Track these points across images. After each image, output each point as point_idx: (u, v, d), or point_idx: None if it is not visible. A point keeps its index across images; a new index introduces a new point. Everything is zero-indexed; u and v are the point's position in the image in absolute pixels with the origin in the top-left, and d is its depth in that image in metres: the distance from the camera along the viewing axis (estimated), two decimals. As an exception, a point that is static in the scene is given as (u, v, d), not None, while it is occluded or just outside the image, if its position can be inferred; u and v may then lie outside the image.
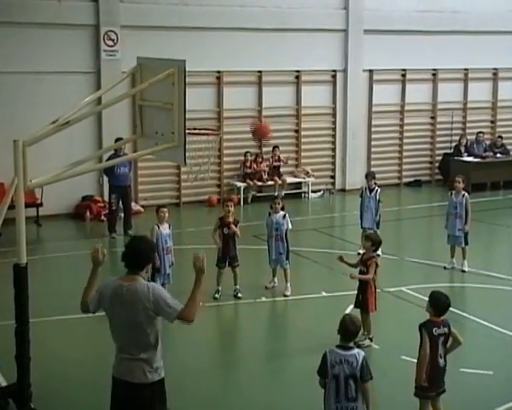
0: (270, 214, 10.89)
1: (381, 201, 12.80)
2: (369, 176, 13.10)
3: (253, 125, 8.62)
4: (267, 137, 8.69)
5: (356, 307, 9.03)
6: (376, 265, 8.87)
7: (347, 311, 9.86)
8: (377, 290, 9.08)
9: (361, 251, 12.06)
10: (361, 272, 8.91)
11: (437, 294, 6.65)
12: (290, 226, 10.86)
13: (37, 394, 7.00)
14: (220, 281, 10.62)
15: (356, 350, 5.83)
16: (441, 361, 6.49)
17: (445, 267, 12.05)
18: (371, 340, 8.83)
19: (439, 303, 6.55)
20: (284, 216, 10.78)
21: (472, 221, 12.15)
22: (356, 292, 9.08)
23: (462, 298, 11.28)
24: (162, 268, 10.07)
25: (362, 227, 12.85)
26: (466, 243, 11.98)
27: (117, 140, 13.61)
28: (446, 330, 6.52)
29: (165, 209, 10.28)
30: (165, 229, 10.13)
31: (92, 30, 16.07)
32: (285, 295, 10.73)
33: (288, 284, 10.80)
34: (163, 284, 10.16)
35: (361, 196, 13.02)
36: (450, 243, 12.14)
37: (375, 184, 12.96)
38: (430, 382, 6.47)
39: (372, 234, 9.66)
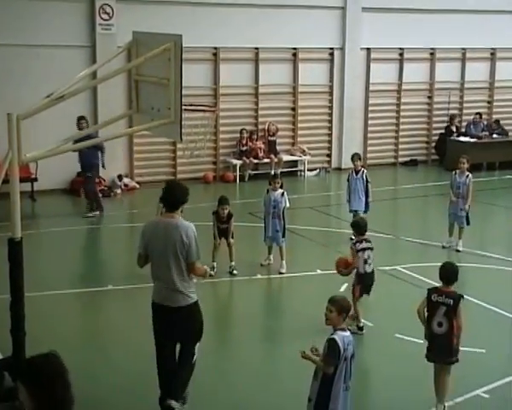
0: (268, 192, 10.89)
1: (369, 181, 12.48)
2: (355, 157, 12.75)
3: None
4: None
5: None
6: (358, 251, 8.68)
7: (342, 289, 9.93)
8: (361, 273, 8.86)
9: (353, 237, 12.11)
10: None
11: (444, 263, 7.03)
12: (288, 204, 10.87)
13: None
14: (215, 256, 10.64)
15: (349, 331, 5.92)
16: (438, 330, 6.63)
17: (443, 246, 12.09)
18: (361, 329, 8.71)
19: (441, 271, 6.82)
20: (282, 194, 10.79)
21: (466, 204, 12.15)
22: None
23: (458, 278, 11.31)
24: None
25: (350, 210, 12.56)
26: (468, 223, 12.02)
27: (79, 119, 13.54)
28: (451, 302, 6.62)
29: None
30: None
31: (87, 3, 15.93)
32: (280, 273, 10.76)
33: (284, 262, 10.83)
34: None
35: (348, 180, 12.66)
36: (451, 221, 12.17)
37: (362, 166, 12.70)
38: (428, 347, 6.75)
39: (356, 220, 9.45)
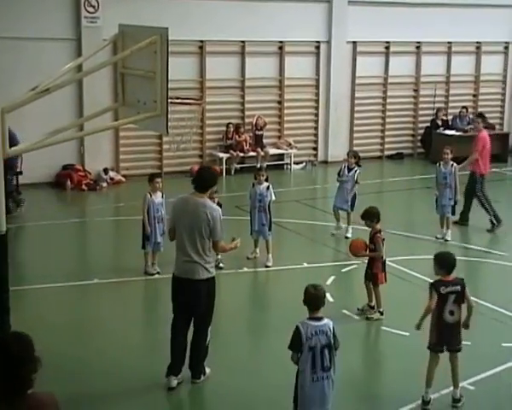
0: (253, 185, 10.87)
1: (358, 182, 12.27)
2: (350, 153, 12.62)
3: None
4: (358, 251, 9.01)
5: (366, 279, 9.06)
6: (382, 240, 8.89)
7: (329, 282, 9.97)
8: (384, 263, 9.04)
9: (334, 232, 12.15)
10: (370, 250, 8.96)
11: (440, 253, 7.11)
12: (273, 198, 10.86)
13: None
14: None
15: (326, 320, 5.87)
16: (450, 318, 6.72)
17: (436, 237, 12.18)
18: (381, 313, 8.86)
19: (442, 260, 6.87)
20: (268, 187, 10.77)
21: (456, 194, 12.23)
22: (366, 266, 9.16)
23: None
24: (153, 236, 10.14)
25: (335, 206, 12.37)
26: (453, 214, 12.12)
27: None
28: (459, 288, 6.74)
29: (160, 179, 10.36)
30: (157, 198, 10.16)
31: (73, -4, 15.83)
32: (267, 266, 10.76)
33: (270, 255, 10.83)
34: (153, 252, 10.22)
35: (338, 174, 12.38)
36: (439, 212, 12.24)
37: (356, 164, 12.31)
38: (437, 337, 6.75)
39: (365, 211, 9.31)
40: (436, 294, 6.70)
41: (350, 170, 12.26)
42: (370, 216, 9.01)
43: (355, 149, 19.10)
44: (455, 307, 6.72)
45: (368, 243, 8.96)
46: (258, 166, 11.09)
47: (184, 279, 7.00)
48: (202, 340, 7.19)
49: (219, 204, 10.58)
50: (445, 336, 6.79)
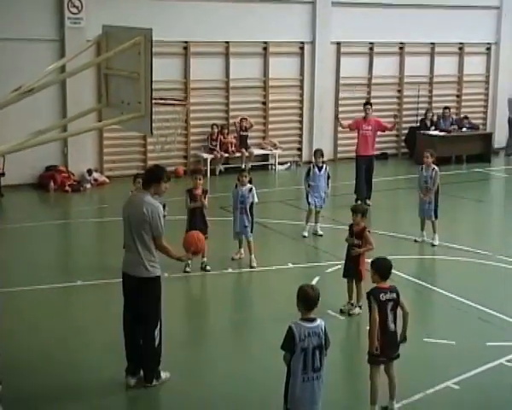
0: (236, 186, 10.85)
1: (330, 177, 12.54)
2: (318, 153, 12.55)
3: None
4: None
5: (345, 276, 9.18)
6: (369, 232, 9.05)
7: (313, 282, 9.96)
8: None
9: (320, 232, 12.19)
10: (357, 246, 8.99)
11: (376, 259, 6.84)
12: (256, 200, 10.84)
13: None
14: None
15: (319, 320, 5.85)
16: (392, 326, 6.57)
17: (415, 240, 12.14)
18: (360, 307, 8.96)
19: (379, 266, 6.69)
20: (250, 190, 10.74)
21: (439, 195, 12.25)
22: (344, 262, 9.25)
23: (428, 270, 11.45)
24: None
25: (313, 207, 12.41)
26: (436, 217, 12.10)
27: None
28: (394, 295, 6.62)
29: None
30: None
31: (56, -4, 15.74)
32: (252, 267, 10.74)
33: (253, 256, 10.82)
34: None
35: (307, 174, 12.45)
36: (420, 215, 12.25)
37: (323, 162, 12.55)
38: (381, 348, 6.57)
39: (358, 206, 9.57)
40: (376, 303, 6.53)
41: (320, 169, 12.41)
42: (364, 211, 9.10)
43: (339, 149, 19.24)
44: (392, 316, 6.56)
45: (353, 238, 9.00)
46: (243, 166, 11.06)
47: (125, 274, 7.09)
48: (148, 341, 7.09)
49: (205, 191, 10.60)
50: (388, 346, 6.59)
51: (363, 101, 19.59)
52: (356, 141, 15.34)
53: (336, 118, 16.35)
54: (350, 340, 8.87)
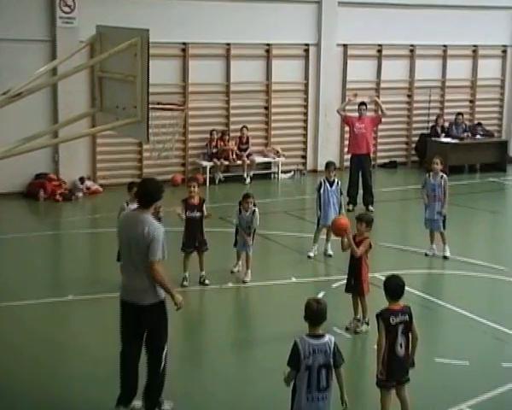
0: (240, 211, 10.81)
1: (342, 193, 12.22)
2: (331, 166, 12.17)
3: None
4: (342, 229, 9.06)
5: (347, 291, 9.18)
6: (370, 245, 9.01)
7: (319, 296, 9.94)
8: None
9: (330, 252, 12.04)
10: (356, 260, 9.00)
11: (388, 278, 6.72)
12: (258, 223, 10.84)
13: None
14: (187, 267, 10.58)
15: (327, 337, 5.84)
16: (400, 351, 6.47)
17: (426, 254, 12.08)
18: (368, 324, 8.95)
19: (390, 287, 6.59)
20: (253, 212, 10.75)
21: (449, 205, 12.26)
22: (346, 276, 9.22)
23: (439, 286, 11.42)
24: None
25: (324, 225, 12.00)
26: (444, 227, 12.08)
27: None
28: (407, 317, 6.52)
29: None
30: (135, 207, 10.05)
31: (47, -5, 15.80)
32: (244, 282, 10.75)
33: (249, 271, 10.83)
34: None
35: (318, 190, 11.99)
36: (427, 227, 12.22)
37: (335, 175, 12.16)
38: (388, 373, 6.50)
39: (363, 214, 9.52)
40: (384, 326, 6.43)
41: (332, 184, 12.05)
42: (369, 221, 9.08)
43: (346, 157, 19.22)
44: (403, 339, 6.47)
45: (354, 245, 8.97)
46: (245, 193, 11.04)
47: (127, 303, 6.74)
48: (156, 365, 6.82)
49: (202, 200, 10.61)
50: (396, 371, 6.51)
51: (372, 106, 19.74)
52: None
53: (354, 94, 16.34)
54: (356, 360, 8.84)
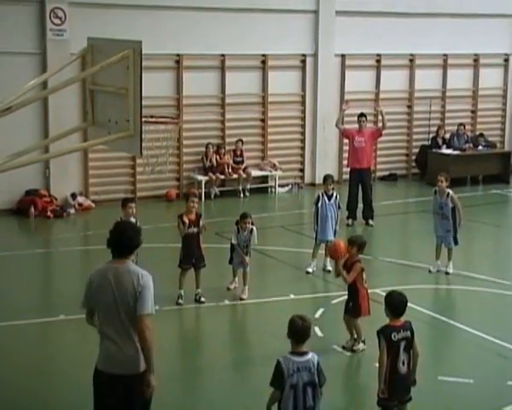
0: (238, 231, 10.83)
1: (340, 207, 12.25)
2: (329, 179, 12.16)
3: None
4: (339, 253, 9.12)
5: (346, 313, 9.12)
6: (362, 269, 8.95)
7: (317, 315, 9.94)
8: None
9: (329, 268, 11.98)
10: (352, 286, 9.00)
11: (390, 293, 6.72)
12: (256, 241, 10.88)
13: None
14: (183, 284, 10.57)
15: (310, 354, 5.84)
16: (403, 368, 6.47)
17: (429, 271, 12.03)
18: (364, 343, 8.94)
19: (392, 302, 6.58)
20: (251, 231, 10.77)
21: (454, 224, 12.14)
22: (346, 298, 9.18)
23: (442, 302, 11.42)
24: None
25: (321, 240, 12.05)
26: (456, 243, 12.00)
27: None
28: (408, 334, 6.52)
29: (133, 204, 10.35)
30: None
31: (37, 6, 15.82)
32: (241, 299, 10.74)
33: (246, 288, 10.84)
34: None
35: (316, 204, 12.04)
36: (438, 242, 12.12)
37: (333, 188, 12.21)
38: (390, 391, 6.47)
39: (355, 237, 9.41)
40: (385, 343, 6.41)
41: (330, 197, 12.08)
42: (361, 245, 9.04)
43: (345, 170, 19.26)
44: (405, 356, 6.46)
45: (343, 269, 8.94)
46: (243, 213, 11.05)
47: (115, 376, 5.66)
48: None
49: (199, 215, 10.56)
50: (399, 389, 6.50)
51: (371, 118, 19.80)
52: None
53: (345, 102, 16.39)
54: (354, 378, 8.82)
